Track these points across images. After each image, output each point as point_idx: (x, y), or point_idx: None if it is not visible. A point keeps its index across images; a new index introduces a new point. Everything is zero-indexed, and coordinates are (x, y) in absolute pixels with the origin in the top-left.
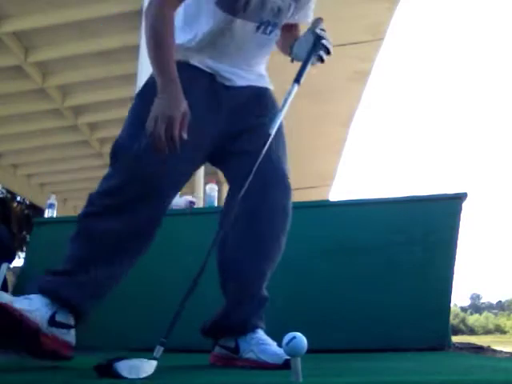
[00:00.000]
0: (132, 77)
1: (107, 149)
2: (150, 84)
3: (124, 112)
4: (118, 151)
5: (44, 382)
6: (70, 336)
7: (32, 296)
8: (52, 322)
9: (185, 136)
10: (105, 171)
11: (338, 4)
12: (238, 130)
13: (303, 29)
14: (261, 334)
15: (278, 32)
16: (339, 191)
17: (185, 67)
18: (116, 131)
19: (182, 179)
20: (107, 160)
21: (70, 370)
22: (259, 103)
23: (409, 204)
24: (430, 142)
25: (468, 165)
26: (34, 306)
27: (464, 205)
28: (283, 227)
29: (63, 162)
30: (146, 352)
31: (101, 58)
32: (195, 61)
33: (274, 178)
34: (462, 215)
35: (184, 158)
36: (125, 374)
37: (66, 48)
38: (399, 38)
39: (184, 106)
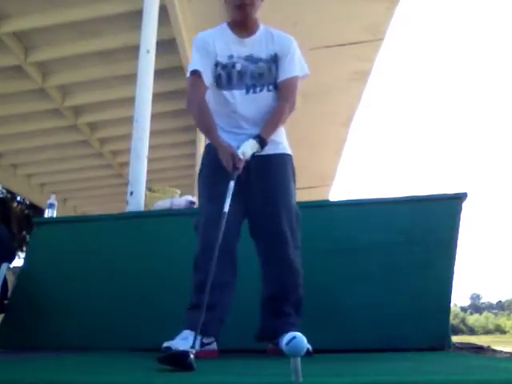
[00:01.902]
0: (132, 77)
1: (107, 149)
2: (200, 169)
3: (124, 112)
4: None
5: (48, 382)
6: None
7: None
8: (202, 344)
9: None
10: (105, 171)
11: (338, 4)
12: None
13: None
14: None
15: (270, 87)
16: (339, 191)
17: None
18: (116, 131)
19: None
20: (107, 160)
21: (70, 369)
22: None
23: (409, 204)
24: (430, 142)
25: (468, 165)
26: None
27: (464, 205)
28: (283, 276)
29: (63, 162)
30: (146, 352)
31: (101, 58)
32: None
33: (269, 236)
34: (462, 215)
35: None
36: (194, 365)
37: (65, 48)
38: (399, 38)
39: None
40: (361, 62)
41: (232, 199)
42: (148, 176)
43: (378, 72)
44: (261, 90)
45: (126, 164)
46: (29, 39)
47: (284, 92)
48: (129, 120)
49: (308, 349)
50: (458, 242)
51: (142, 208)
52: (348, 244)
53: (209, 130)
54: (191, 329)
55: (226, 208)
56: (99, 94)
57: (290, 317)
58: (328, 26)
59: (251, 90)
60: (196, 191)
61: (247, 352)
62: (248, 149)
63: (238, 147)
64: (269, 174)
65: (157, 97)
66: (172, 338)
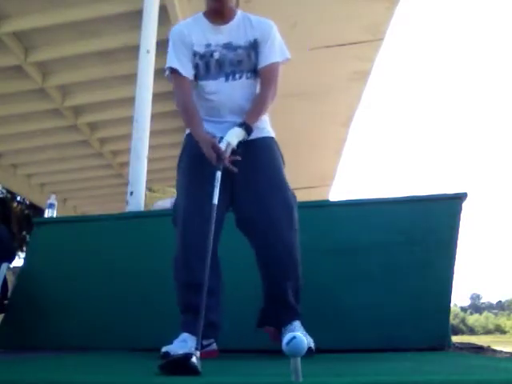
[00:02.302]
0: (132, 77)
1: (107, 149)
2: (179, 159)
3: (124, 112)
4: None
5: (48, 382)
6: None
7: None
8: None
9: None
10: (105, 171)
11: (337, 4)
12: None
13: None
14: (294, 325)
15: (249, 74)
16: (339, 191)
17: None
18: (116, 131)
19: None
20: (107, 160)
21: (70, 369)
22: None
23: (409, 204)
24: (429, 142)
25: (468, 165)
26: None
27: (464, 205)
28: (283, 265)
29: (63, 162)
30: (145, 352)
31: (101, 58)
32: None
33: (263, 225)
34: (462, 215)
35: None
36: (199, 368)
37: (65, 48)
38: (399, 38)
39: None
40: (361, 62)
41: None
42: (148, 176)
43: (378, 72)
44: (240, 77)
45: (125, 164)
46: (29, 39)
47: (266, 79)
48: (129, 120)
49: (310, 347)
50: (458, 242)
51: (142, 208)
52: (348, 244)
53: (193, 125)
54: (189, 332)
55: (215, 200)
56: (99, 93)
57: (294, 306)
58: (328, 26)
59: (230, 77)
60: None
61: (247, 352)
62: (233, 137)
63: (222, 137)
64: (256, 158)
65: (157, 97)
66: (170, 342)
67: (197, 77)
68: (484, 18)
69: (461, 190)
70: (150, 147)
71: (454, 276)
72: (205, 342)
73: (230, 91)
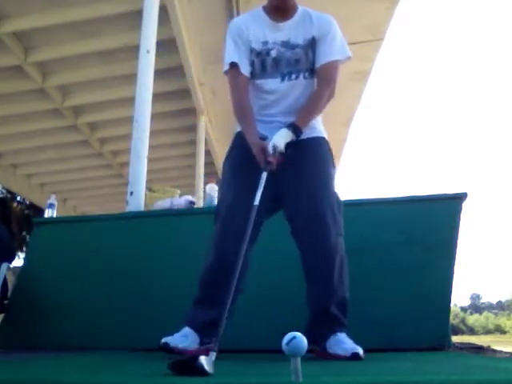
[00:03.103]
0: (132, 77)
1: (107, 149)
2: (226, 156)
3: (124, 112)
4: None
5: (48, 382)
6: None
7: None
8: (202, 343)
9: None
10: (105, 171)
11: (337, 4)
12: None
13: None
14: (339, 335)
15: (306, 74)
16: (339, 191)
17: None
18: (116, 131)
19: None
20: (107, 160)
21: (70, 369)
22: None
23: (409, 204)
24: (429, 142)
25: (468, 165)
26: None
27: (464, 205)
28: (327, 268)
29: (63, 162)
30: (146, 352)
31: (101, 58)
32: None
33: (308, 221)
34: (462, 215)
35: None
36: (207, 368)
37: (65, 48)
38: (399, 37)
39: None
40: (361, 62)
41: (263, 192)
42: (148, 176)
43: (378, 72)
44: (297, 78)
45: (126, 164)
46: (29, 39)
47: (323, 77)
48: (129, 120)
49: (357, 353)
50: (458, 242)
51: (142, 208)
52: (348, 244)
53: (246, 126)
54: (192, 327)
55: (257, 201)
56: (99, 93)
57: (338, 317)
58: None
59: (286, 78)
60: (196, 191)
61: (247, 352)
62: (280, 140)
63: (268, 137)
64: (305, 159)
65: (157, 97)
66: (172, 335)
67: (252, 74)
68: (484, 17)
69: (461, 190)
70: (150, 147)
71: (454, 276)
72: (206, 340)
73: (285, 92)
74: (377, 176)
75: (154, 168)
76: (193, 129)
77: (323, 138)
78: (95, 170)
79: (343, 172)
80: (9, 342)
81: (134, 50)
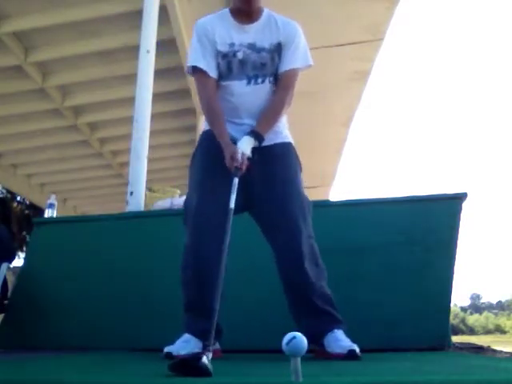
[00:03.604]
0: (132, 77)
1: (107, 149)
2: (193, 154)
3: (124, 112)
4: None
5: (48, 382)
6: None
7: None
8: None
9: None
10: (104, 171)
11: (337, 4)
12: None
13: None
14: (336, 332)
15: (271, 79)
16: (339, 191)
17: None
18: (116, 131)
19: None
20: (107, 160)
21: (70, 369)
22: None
23: (409, 204)
24: (429, 142)
25: (468, 165)
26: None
27: (464, 205)
28: (301, 267)
29: (63, 162)
30: (145, 352)
31: (101, 58)
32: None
33: (280, 222)
34: (462, 215)
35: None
36: (210, 367)
37: (65, 48)
38: (399, 37)
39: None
40: (361, 62)
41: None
42: (148, 176)
43: (378, 72)
44: (262, 82)
45: (126, 164)
46: (29, 39)
47: (283, 84)
48: (129, 120)
49: (354, 350)
50: (458, 242)
51: (142, 208)
52: (348, 244)
53: (217, 127)
54: (192, 333)
55: (232, 204)
56: (99, 93)
57: (329, 311)
58: (328, 26)
59: (252, 81)
60: None
61: (247, 352)
62: (245, 146)
63: (239, 140)
64: (272, 166)
65: (157, 97)
66: (172, 342)
67: (218, 76)
68: (484, 17)
69: (461, 190)
70: (150, 147)
71: (454, 276)
72: (208, 343)
73: (251, 95)
74: (377, 176)
75: (153, 168)
76: (193, 129)
77: (289, 143)
78: (95, 170)
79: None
80: (9, 341)
81: (134, 50)
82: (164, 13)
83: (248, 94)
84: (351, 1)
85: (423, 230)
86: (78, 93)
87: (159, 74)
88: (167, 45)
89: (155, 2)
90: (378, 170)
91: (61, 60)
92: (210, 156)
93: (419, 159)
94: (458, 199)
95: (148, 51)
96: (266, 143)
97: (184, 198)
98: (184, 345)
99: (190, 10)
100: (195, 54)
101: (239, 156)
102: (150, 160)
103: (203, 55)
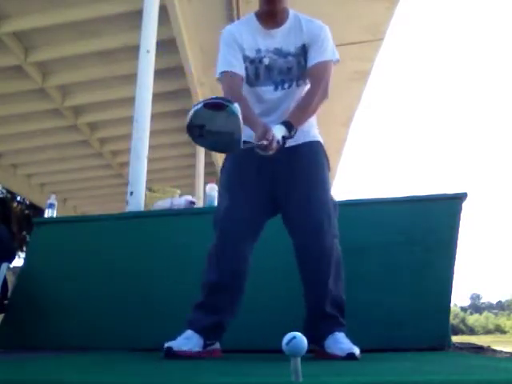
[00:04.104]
0: (132, 77)
1: (107, 149)
2: (224, 159)
3: (124, 112)
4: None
5: (48, 382)
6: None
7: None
8: (205, 345)
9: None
10: (104, 171)
11: (337, 4)
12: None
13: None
14: (337, 335)
15: (300, 82)
16: (339, 191)
17: None
18: (116, 131)
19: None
20: (107, 160)
21: (70, 369)
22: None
23: (409, 204)
24: (429, 142)
25: (468, 165)
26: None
27: (464, 205)
28: (322, 268)
29: (63, 162)
30: (145, 352)
31: (101, 58)
32: None
33: (304, 226)
34: (461, 215)
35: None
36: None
37: (65, 48)
38: (399, 37)
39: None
40: (361, 62)
41: (258, 196)
42: (148, 176)
43: (378, 72)
44: (289, 86)
45: (126, 164)
46: (29, 39)
47: (315, 77)
48: (129, 120)
49: (353, 353)
50: (458, 242)
51: (142, 208)
52: (348, 244)
53: (247, 114)
54: (194, 330)
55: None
56: (99, 93)
57: (334, 315)
58: (328, 25)
59: (279, 87)
60: (196, 191)
61: (247, 352)
62: (277, 132)
63: None
64: (301, 164)
65: (157, 97)
66: (174, 339)
67: (246, 83)
68: (484, 17)
69: (461, 190)
70: (150, 147)
71: (454, 276)
72: (208, 341)
73: (278, 101)
74: (377, 176)
75: (153, 168)
76: None
77: (318, 142)
78: (95, 170)
79: (343, 172)
80: (9, 341)
81: (134, 50)
82: (164, 13)
83: (275, 100)
84: (351, 1)
85: (423, 229)
86: (77, 93)
87: (159, 73)
88: (167, 45)
89: (155, 2)
90: (378, 170)
91: (61, 60)
92: (238, 162)
93: (419, 159)
94: (457, 199)
95: (148, 51)
96: (293, 143)
97: (184, 198)
98: (185, 341)
99: (190, 10)
100: (223, 60)
101: (271, 134)
102: (149, 160)
103: (232, 57)
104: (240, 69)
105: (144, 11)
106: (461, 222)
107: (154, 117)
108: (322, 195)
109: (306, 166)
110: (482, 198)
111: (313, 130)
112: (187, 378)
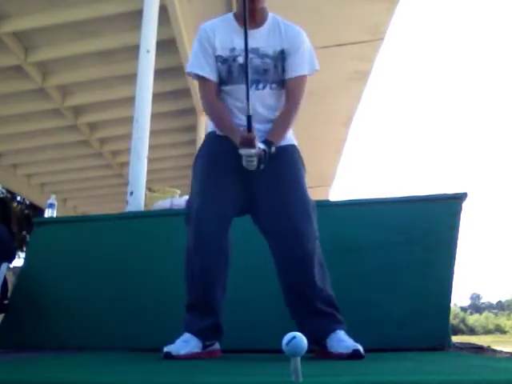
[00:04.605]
0: (132, 77)
1: (107, 149)
2: (196, 155)
3: (124, 112)
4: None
5: (48, 382)
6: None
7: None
8: (204, 346)
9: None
10: (104, 171)
11: (338, 4)
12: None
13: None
14: (338, 333)
15: (273, 85)
16: (339, 191)
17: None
18: (116, 131)
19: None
20: (107, 160)
21: (70, 369)
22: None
23: (409, 204)
24: (429, 142)
25: (468, 165)
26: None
27: (464, 205)
28: (307, 268)
29: (63, 162)
30: (145, 352)
31: (101, 58)
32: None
33: (286, 225)
34: (461, 215)
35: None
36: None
37: (65, 48)
38: (399, 37)
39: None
40: (361, 62)
41: (233, 193)
42: (148, 176)
43: (378, 72)
44: (264, 88)
45: (126, 164)
46: (29, 39)
47: (292, 92)
48: (129, 120)
49: (358, 350)
50: (458, 242)
51: (142, 208)
52: (348, 244)
53: (226, 123)
54: (192, 332)
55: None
56: (99, 93)
57: (330, 312)
58: (328, 26)
59: (254, 86)
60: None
61: (247, 352)
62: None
63: None
64: (275, 168)
65: (157, 97)
66: (172, 342)
67: (219, 81)
68: (484, 17)
69: (461, 190)
70: (150, 147)
71: (454, 276)
72: (207, 342)
73: (252, 100)
74: (377, 176)
75: (153, 168)
76: (193, 129)
77: (293, 146)
78: (95, 170)
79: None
80: (9, 341)
81: (134, 50)
82: (164, 13)
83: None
84: (351, 1)
85: (423, 229)
86: (78, 93)
87: (159, 73)
88: (167, 45)
89: (155, 2)
90: (378, 170)
91: (61, 60)
92: (213, 157)
93: (419, 159)
94: (457, 199)
95: (148, 51)
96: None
97: (184, 198)
98: (184, 344)
99: (190, 10)
100: (196, 60)
101: (253, 133)
102: (149, 160)
103: (204, 60)
104: (212, 74)
105: (144, 11)
106: (461, 222)
107: (153, 117)
108: (302, 200)
109: (282, 170)
110: (482, 198)
111: (288, 133)
112: (187, 378)
